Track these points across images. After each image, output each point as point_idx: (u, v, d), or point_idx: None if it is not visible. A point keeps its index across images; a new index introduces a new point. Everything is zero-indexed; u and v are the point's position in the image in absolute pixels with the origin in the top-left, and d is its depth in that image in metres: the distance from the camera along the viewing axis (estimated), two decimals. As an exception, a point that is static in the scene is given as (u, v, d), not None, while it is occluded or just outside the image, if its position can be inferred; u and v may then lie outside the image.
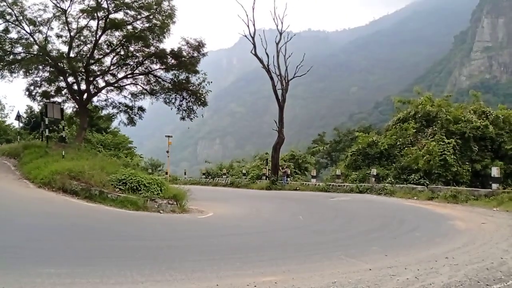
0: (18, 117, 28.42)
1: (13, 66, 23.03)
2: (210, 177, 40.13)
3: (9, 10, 21.45)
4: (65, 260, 6.81)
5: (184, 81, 25.07)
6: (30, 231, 9.05)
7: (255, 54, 30.53)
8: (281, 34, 30.96)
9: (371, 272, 6.08)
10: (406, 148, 24.29)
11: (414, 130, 24.89)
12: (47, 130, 22.40)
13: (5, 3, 21.24)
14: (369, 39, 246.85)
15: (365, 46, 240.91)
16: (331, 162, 46.14)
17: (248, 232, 11.02)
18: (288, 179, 28.01)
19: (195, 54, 24.35)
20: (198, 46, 24.12)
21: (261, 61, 30.45)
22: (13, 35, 22.39)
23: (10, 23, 21.89)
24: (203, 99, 25.68)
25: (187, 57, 24.18)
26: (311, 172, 30.40)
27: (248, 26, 31.42)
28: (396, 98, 31.19)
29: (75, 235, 9.06)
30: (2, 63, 22.61)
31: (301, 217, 13.69)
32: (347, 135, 45.03)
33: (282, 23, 31.41)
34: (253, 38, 30.68)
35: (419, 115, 25.66)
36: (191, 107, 25.95)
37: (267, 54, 30.31)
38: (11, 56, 22.78)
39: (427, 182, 20.66)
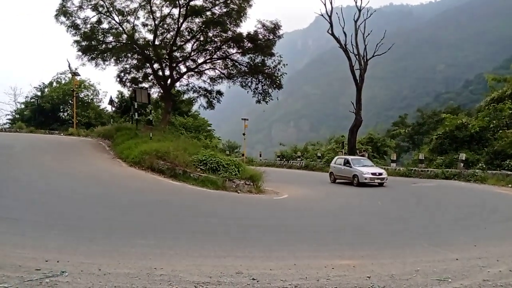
0: (111, 101, 31.24)
1: (105, 55, 25.25)
2: (284, 159, 40.45)
3: (101, 3, 23.39)
4: (155, 232, 7.46)
5: (260, 64, 25.35)
6: (124, 206, 10.05)
7: (332, 34, 29.57)
8: (360, 10, 29.50)
9: (458, 262, 5.71)
10: (500, 131, 21.99)
11: (510, 111, 22.35)
12: (136, 114, 24.35)
13: None
14: (459, 11, 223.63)
15: (454, 19, 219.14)
16: (413, 145, 43.55)
17: (324, 215, 10.98)
18: (366, 163, 27.06)
19: (271, 37, 24.40)
20: (274, 29, 24.11)
21: (338, 41, 29.42)
22: (105, 25, 24.50)
23: (102, 15, 23.90)
24: (278, 81, 25.78)
25: (263, 40, 24.33)
26: (391, 156, 29.00)
27: (324, 4, 30.61)
28: (489, 76, 28.21)
29: (162, 210, 9.85)
30: (96, 52, 24.88)
31: (380, 202, 13.23)
32: (432, 116, 41.98)
33: (361, -1, 29.88)
34: (330, 16, 29.67)
35: (517, 94, 22.89)
36: (267, 90, 26.24)
37: (344, 33, 29.17)
38: (103, 45, 24.92)
39: (525, 168, 18.57)
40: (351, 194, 15.60)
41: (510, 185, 16.81)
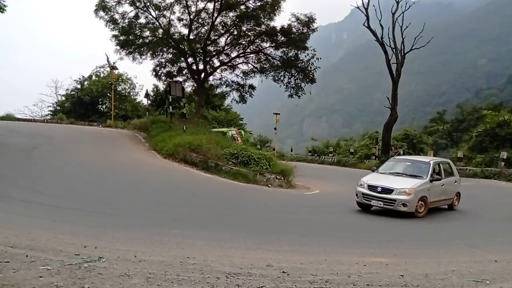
0: (147, 95, 32.02)
1: (142, 49, 25.88)
2: (316, 154, 40.08)
3: None
4: (187, 223, 7.64)
5: (293, 58, 25.15)
6: (159, 196, 10.33)
7: (368, 27, 28.84)
8: (398, 3, 28.57)
9: (497, 264, 5.47)
10: (547, 129, 20.75)
11: (559, 108, 21.05)
12: (170, 107, 24.84)
13: None
14: (504, 3, 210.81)
15: (498, 11, 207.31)
16: (451, 143, 41.95)
17: (356, 211, 10.81)
18: (401, 160, 26.37)
19: (305, 30, 24.12)
20: (308, 22, 23.82)
21: (374, 34, 28.66)
22: (142, 20, 25.09)
23: (139, 9, 24.48)
24: (311, 76, 25.49)
25: (297, 33, 24.10)
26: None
27: (361, -4, 29.71)
28: (537, 71, 26.58)
29: (195, 202, 10.05)
30: (133, 46, 25.55)
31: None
32: (472, 113, 40.22)
33: (400, -9, 28.94)
34: (366, 9, 28.92)
35: None
36: (299, 84, 26.02)
37: (381, 25, 28.37)
38: (140, 40, 25.55)
39: None
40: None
41: (557, 187, 15.88)
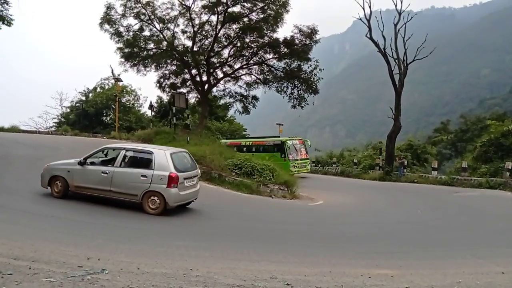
0: (151, 106, 32.21)
1: (146, 61, 26.18)
2: (319, 165, 39.93)
3: (143, 11, 24.30)
4: (191, 235, 7.60)
5: (296, 69, 25.32)
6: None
7: (371, 38, 28.95)
8: (400, 14, 28.71)
9: (504, 275, 5.40)
10: (552, 139, 20.59)
11: None
12: (174, 118, 25.00)
13: (140, 5, 24.12)
14: (506, 14, 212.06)
15: (500, 22, 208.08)
16: (455, 153, 41.72)
17: (361, 222, 10.73)
18: (405, 170, 26.22)
19: (307, 42, 24.34)
20: (311, 33, 24.04)
21: (376, 45, 28.77)
22: (146, 33, 25.45)
23: (144, 22, 24.82)
24: (314, 86, 25.62)
25: (299, 45, 24.31)
26: (432, 164, 27.86)
27: (363, 8, 30.10)
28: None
29: (197, 213, 9.99)
30: (137, 59, 25.85)
31: (420, 211, 12.75)
32: (476, 123, 40.09)
33: (401, 2, 29.12)
34: (368, 20, 29.08)
35: None
36: (302, 95, 26.15)
37: (383, 36, 28.48)
38: (145, 52, 25.85)
39: None
40: (389, 201, 15.14)
41: None
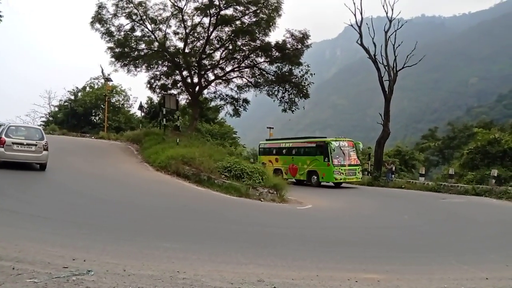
0: (141, 107, 32.05)
1: (137, 62, 26.04)
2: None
3: (135, 11, 24.18)
4: (179, 236, 7.56)
5: (287, 73, 25.45)
6: (150, 209, 10.24)
7: (361, 44, 29.25)
8: (390, 21, 29.08)
9: (488, 281, 5.47)
10: (536, 148, 21.04)
11: (548, 127, 21.41)
12: (164, 119, 24.86)
13: (132, 5, 24.00)
14: (494, 24, 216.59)
15: (488, 31, 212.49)
16: (443, 160, 42.34)
17: (349, 226, 10.79)
18: (393, 176, 26.48)
19: (299, 46, 24.49)
20: (302, 38, 24.20)
21: (367, 51, 29.08)
22: (137, 33, 25.32)
23: (135, 23, 24.69)
24: (305, 91, 25.77)
25: (291, 49, 24.44)
26: (419, 170, 28.22)
27: (354, 14, 30.20)
28: (526, 90, 27.10)
29: (187, 215, 9.97)
30: (128, 59, 25.69)
31: (407, 216, 12.87)
32: (464, 131, 40.79)
33: (392, 9, 29.54)
34: (359, 27, 29.38)
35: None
36: (293, 99, 26.27)
37: (374, 43, 28.80)
38: (136, 52, 25.70)
39: None
40: (377, 206, 15.27)
41: (546, 205, 15.99)
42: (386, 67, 28.53)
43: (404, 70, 29.16)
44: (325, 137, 23.92)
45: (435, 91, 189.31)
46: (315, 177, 22.26)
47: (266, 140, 28.57)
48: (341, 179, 21.29)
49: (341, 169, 21.18)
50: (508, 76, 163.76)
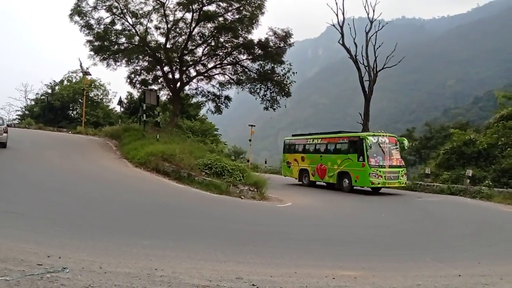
0: (120, 102, 31.50)
1: (117, 56, 25.55)
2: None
3: (116, 4, 23.70)
4: (157, 234, 7.48)
5: (269, 71, 25.46)
6: (129, 206, 10.09)
7: (343, 44, 29.65)
8: (371, 22, 29.58)
9: (461, 278, 5.64)
10: (509, 149, 21.78)
11: (520, 129, 22.21)
12: (144, 115, 24.51)
13: None
14: (472, 28, 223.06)
15: (466, 35, 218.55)
16: (419, 159, 43.27)
17: (327, 224, 10.92)
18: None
19: (282, 45, 24.54)
20: (285, 37, 24.24)
21: (348, 51, 29.49)
22: (118, 27, 24.83)
23: (116, 16, 24.20)
24: (287, 89, 25.84)
25: (274, 47, 24.46)
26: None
27: (337, 15, 30.61)
28: (500, 93, 28.08)
29: (166, 212, 9.87)
30: (108, 53, 25.18)
31: (384, 215, 13.13)
32: (440, 131, 41.78)
33: (373, 11, 30.05)
34: (341, 27, 29.78)
35: (527, 113, 22.78)
36: (275, 98, 26.30)
37: (355, 43, 29.24)
38: (116, 46, 25.22)
39: (532, 188, 18.30)
40: (355, 205, 15.51)
41: (517, 204, 16.58)
42: (367, 68, 29.01)
43: (384, 71, 29.73)
44: (365, 132, 20.93)
45: (414, 92, 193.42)
46: (347, 181, 18.79)
47: (292, 135, 25.41)
48: (379, 183, 17.62)
49: (380, 171, 17.51)
50: (484, 79, 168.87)
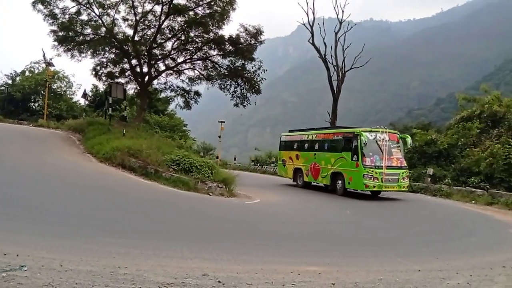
0: (85, 95, 30.44)
1: (82, 47, 24.64)
2: (258, 164, 40.56)
3: None
4: (122, 231, 7.32)
5: (240, 68, 25.39)
6: (93, 202, 9.80)
7: (313, 43, 30.09)
8: (341, 23, 30.19)
9: (420, 273, 5.90)
10: (467, 149, 22.89)
11: (478, 131, 23.37)
12: (110, 109, 23.83)
13: None
14: (436, 32, 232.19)
15: (430, 39, 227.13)
16: (384, 158, 44.60)
17: (294, 221, 11.08)
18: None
19: (252, 41, 24.50)
20: (256, 34, 24.23)
21: (318, 51, 29.97)
22: (84, 17, 23.93)
23: (81, 6, 23.33)
24: (257, 86, 25.87)
25: (245, 44, 24.39)
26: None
27: (307, 14, 31.04)
28: (460, 95, 29.38)
29: (131, 209, 9.67)
30: (72, 43, 24.25)
31: (349, 211, 13.48)
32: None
33: (343, 12, 30.75)
34: (311, 26, 30.21)
35: (485, 115, 24.04)
36: (245, 94, 26.27)
37: (325, 43, 29.74)
38: (81, 37, 24.33)
39: (488, 186, 19.33)
40: (322, 203, 15.81)
41: (473, 202, 17.48)
42: (335, 67, 29.60)
43: (352, 71, 30.44)
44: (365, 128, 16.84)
45: (380, 93, 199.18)
46: (340, 182, 16.89)
47: (289, 131, 23.23)
48: (374, 186, 15.54)
49: (375, 173, 15.39)
50: (446, 82, 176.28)
